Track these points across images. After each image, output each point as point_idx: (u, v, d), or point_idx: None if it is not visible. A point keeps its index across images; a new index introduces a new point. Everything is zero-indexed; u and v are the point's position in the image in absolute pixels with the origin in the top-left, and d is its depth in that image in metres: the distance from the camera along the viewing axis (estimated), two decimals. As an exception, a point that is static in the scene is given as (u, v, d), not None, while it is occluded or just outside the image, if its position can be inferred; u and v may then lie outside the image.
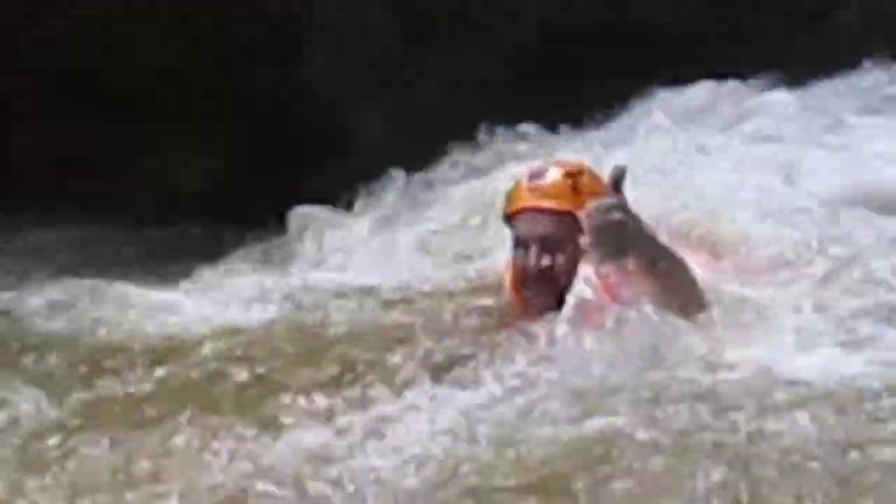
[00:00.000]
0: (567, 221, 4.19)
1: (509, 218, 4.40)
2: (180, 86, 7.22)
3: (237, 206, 6.73)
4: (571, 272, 4.23)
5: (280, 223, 6.26)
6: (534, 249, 4.30)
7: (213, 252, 6.13)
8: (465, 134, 6.49)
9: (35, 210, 6.94)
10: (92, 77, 7.26)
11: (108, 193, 6.97)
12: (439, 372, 4.09)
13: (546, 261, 4.29)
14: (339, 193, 6.28)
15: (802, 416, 3.53)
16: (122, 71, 7.27)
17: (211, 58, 7.29)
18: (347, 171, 6.32)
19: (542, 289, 4.30)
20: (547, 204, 4.31)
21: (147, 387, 4.18)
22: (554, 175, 4.33)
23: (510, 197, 4.41)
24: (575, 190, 4.26)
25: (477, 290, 4.80)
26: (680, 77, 6.80)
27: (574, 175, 4.30)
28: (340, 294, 4.94)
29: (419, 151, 6.38)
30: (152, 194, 7.06)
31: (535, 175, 4.36)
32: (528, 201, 4.33)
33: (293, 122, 7.15)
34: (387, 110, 7.25)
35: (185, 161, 7.18)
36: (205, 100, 7.21)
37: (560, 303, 4.20)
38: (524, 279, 4.34)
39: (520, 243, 4.35)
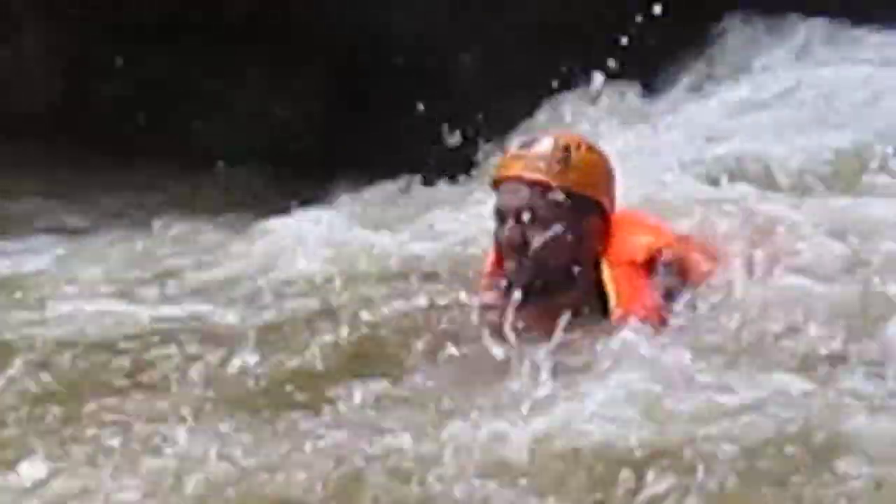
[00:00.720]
0: (550, 197, 3.84)
1: (494, 185, 3.97)
2: (274, 29, 7.24)
3: (331, 150, 6.84)
4: (553, 257, 3.84)
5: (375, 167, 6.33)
6: (509, 223, 3.87)
7: (307, 196, 6.24)
8: (559, 80, 6.49)
9: (125, 153, 7.04)
10: (182, 19, 7.31)
11: (197, 135, 7.06)
12: None
13: (518, 236, 3.86)
14: (434, 139, 6.23)
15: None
16: (212, 16, 7.29)
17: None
18: (441, 114, 6.30)
19: (516, 269, 3.87)
20: (529, 175, 3.88)
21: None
22: (545, 145, 3.91)
23: (497, 164, 4.05)
24: (564, 163, 3.87)
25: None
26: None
27: (567, 147, 3.89)
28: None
29: (514, 96, 6.43)
30: (245, 136, 7.09)
31: (526, 143, 3.96)
32: (511, 170, 3.92)
33: (387, 66, 7.15)
34: (481, 53, 7.24)
35: (278, 104, 7.24)
36: (298, 43, 7.23)
37: (544, 292, 3.85)
38: (500, 256, 3.95)
39: (499, 214, 3.93)
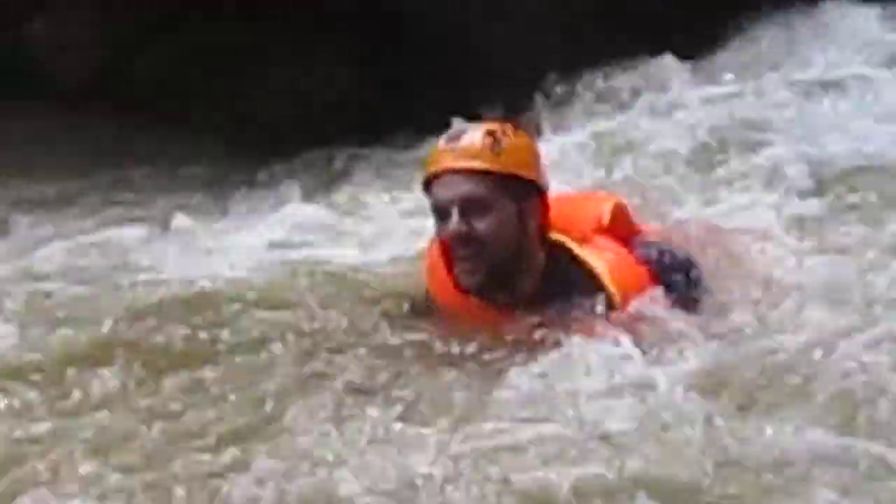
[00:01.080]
0: (488, 182, 3.83)
1: (427, 185, 3.95)
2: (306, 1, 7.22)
3: (369, 121, 6.82)
4: (503, 241, 3.84)
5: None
6: (454, 214, 3.84)
7: (347, 167, 6.24)
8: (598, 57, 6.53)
9: (165, 123, 7.03)
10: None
11: (239, 105, 7.06)
12: None
13: (465, 227, 3.84)
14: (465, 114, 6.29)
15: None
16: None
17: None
18: (477, 86, 6.38)
19: (471, 264, 3.85)
20: (464, 164, 3.86)
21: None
22: (472, 134, 3.90)
23: (426, 162, 4.00)
24: (496, 147, 3.85)
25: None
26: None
27: (494, 133, 3.88)
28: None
29: (545, 71, 6.47)
30: (283, 108, 7.08)
31: (452, 136, 3.93)
32: (444, 163, 3.89)
33: (422, 38, 7.12)
34: (514, 28, 7.19)
35: (318, 75, 7.22)
36: (330, 14, 7.20)
37: (495, 281, 3.86)
38: (449, 252, 3.92)
39: (439, 211, 3.91)
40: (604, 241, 3.93)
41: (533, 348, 3.76)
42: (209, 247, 5.10)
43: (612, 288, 3.84)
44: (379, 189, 5.85)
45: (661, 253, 3.94)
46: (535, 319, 3.83)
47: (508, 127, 3.96)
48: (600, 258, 3.88)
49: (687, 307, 3.87)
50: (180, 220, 5.59)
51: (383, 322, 4.00)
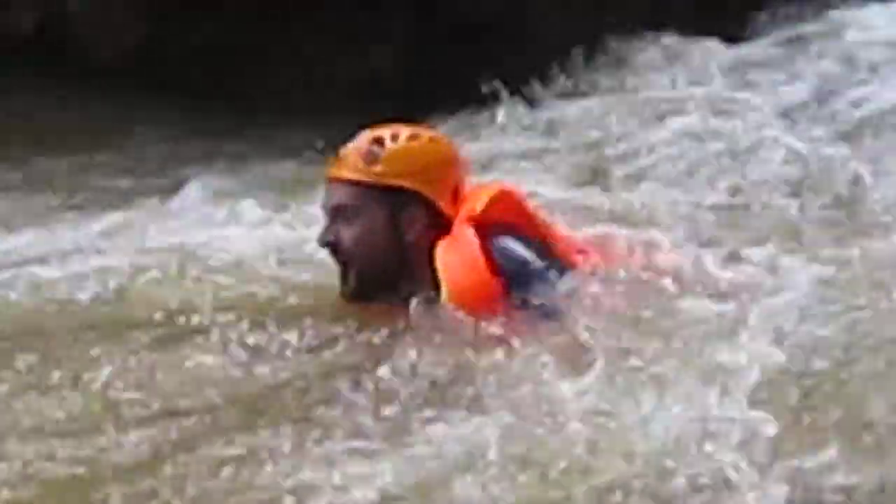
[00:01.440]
0: (357, 191, 3.84)
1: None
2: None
3: (416, 94, 6.80)
4: (369, 250, 3.84)
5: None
6: (325, 222, 3.91)
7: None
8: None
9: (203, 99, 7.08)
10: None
11: (283, 79, 7.11)
12: None
13: (329, 235, 3.89)
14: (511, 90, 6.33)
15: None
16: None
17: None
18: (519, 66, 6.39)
19: (341, 273, 3.89)
20: (335, 172, 3.89)
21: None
22: (357, 142, 3.89)
23: None
24: (372, 156, 3.83)
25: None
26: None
27: (380, 140, 3.86)
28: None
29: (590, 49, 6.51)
30: (329, 82, 7.15)
31: (352, 141, 3.93)
32: (329, 171, 3.94)
33: (466, 15, 7.15)
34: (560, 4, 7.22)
35: (356, 53, 7.27)
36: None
37: (370, 288, 3.85)
38: None
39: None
40: (464, 231, 3.83)
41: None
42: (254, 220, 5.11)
43: (443, 287, 3.77)
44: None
45: (505, 250, 3.82)
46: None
47: (409, 132, 3.91)
48: (445, 256, 3.81)
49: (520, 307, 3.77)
50: (198, 193, 5.62)
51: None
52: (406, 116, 5.87)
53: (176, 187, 5.75)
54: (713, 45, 6.91)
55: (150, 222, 5.11)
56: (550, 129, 6.14)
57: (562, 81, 6.56)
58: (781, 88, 6.38)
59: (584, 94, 6.49)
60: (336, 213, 3.89)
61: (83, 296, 4.16)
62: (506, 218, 3.90)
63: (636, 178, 5.38)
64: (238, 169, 6.22)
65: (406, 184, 3.86)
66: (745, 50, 6.95)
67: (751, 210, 4.98)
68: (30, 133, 6.83)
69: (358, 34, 7.23)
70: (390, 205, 3.86)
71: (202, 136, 6.91)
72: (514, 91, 6.34)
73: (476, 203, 3.88)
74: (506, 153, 5.90)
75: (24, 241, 4.99)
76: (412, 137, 3.90)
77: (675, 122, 5.84)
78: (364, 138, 3.89)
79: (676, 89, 6.41)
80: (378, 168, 3.84)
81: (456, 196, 3.90)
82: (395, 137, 3.88)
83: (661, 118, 5.92)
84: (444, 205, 3.88)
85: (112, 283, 4.21)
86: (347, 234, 3.87)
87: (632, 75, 6.71)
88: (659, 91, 6.41)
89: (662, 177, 5.37)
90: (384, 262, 3.87)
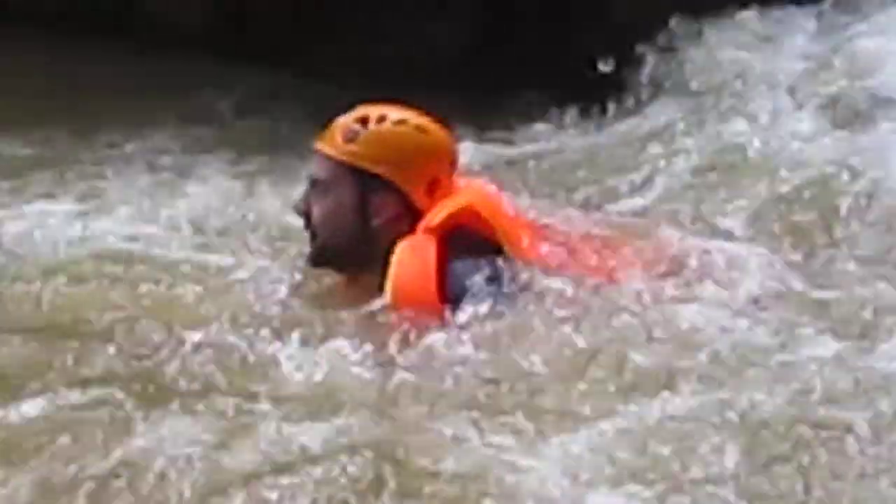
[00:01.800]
0: (331, 166, 3.93)
1: None
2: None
3: (483, 74, 6.63)
4: (333, 226, 3.93)
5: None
6: (304, 191, 4.03)
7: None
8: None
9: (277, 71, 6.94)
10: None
11: (348, 53, 6.95)
12: None
13: (303, 205, 4.01)
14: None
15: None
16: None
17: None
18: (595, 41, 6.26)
19: (310, 243, 4.01)
20: (318, 144, 4.00)
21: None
22: (347, 116, 3.98)
23: None
24: (351, 135, 3.90)
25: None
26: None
27: (364, 120, 3.94)
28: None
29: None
30: (398, 59, 6.91)
31: (342, 115, 4.04)
32: (315, 141, 4.06)
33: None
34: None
35: (432, 25, 7.07)
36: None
37: (329, 262, 3.96)
38: None
39: None
40: (425, 241, 3.82)
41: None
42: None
43: (389, 287, 3.78)
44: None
45: (460, 274, 3.77)
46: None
47: (396, 117, 3.93)
48: (401, 259, 3.81)
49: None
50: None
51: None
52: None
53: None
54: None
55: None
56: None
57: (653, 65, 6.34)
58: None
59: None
60: (312, 185, 3.97)
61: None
62: (467, 229, 3.84)
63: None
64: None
65: (377, 169, 3.89)
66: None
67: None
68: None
69: (426, 7, 7.06)
70: (361, 187, 3.90)
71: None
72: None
73: (435, 216, 3.86)
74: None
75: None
76: (399, 122, 3.92)
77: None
78: (354, 114, 3.95)
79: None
80: (353, 147, 3.89)
81: (434, 189, 3.89)
82: (381, 119, 3.91)
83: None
84: (416, 196, 3.87)
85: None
86: (317, 207, 3.94)
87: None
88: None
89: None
90: (347, 242, 3.93)
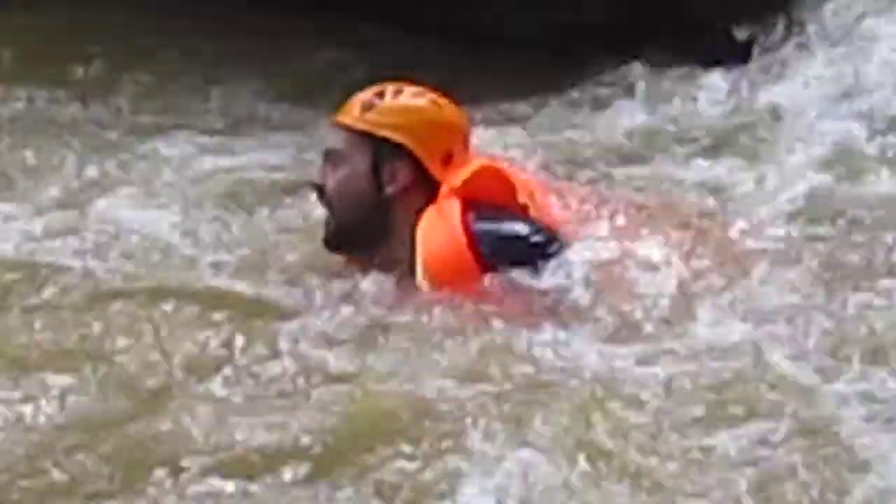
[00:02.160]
0: (347, 136, 3.96)
1: None
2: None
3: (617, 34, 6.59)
4: (348, 196, 3.94)
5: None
6: (321, 165, 4.07)
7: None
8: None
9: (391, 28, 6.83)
10: None
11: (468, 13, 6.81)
12: None
13: (319, 178, 4.03)
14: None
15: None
16: None
17: None
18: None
19: (327, 214, 4.01)
20: (334, 117, 4.06)
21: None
22: (364, 92, 4.04)
23: None
24: (368, 105, 3.96)
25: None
26: None
27: (381, 93, 4.00)
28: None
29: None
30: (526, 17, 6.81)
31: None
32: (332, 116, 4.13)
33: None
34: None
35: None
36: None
37: (347, 239, 3.94)
38: None
39: None
40: (450, 206, 3.83)
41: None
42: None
43: (420, 263, 3.80)
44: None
45: (489, 230, 3.81)
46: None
47: (413, 91, 3.99)
48: (426, 231, 3.82)
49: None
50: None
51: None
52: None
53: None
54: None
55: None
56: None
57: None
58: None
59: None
60: (328, 157, 4.01)
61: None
62: (489, 192, 3.89)
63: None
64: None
65: (394, 135, 3.94)
66: None
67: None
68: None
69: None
70: (375, 154, 3.93)
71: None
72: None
73: (457, 176, 3.91)
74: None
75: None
76: (416, 95, 4.01)
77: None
78: (371, 90, 4.02)
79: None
80: (370, 116, 3.94)
81: (449, 162, 3.91)
82: (397, 93, 3.99)
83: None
84: (432, 166, 3.91)
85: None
86: (332, 179, 3.97)
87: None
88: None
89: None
90: (361, 212, 3.95)
